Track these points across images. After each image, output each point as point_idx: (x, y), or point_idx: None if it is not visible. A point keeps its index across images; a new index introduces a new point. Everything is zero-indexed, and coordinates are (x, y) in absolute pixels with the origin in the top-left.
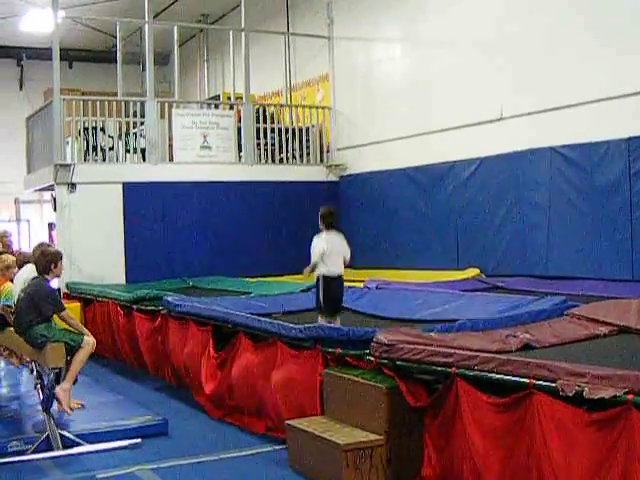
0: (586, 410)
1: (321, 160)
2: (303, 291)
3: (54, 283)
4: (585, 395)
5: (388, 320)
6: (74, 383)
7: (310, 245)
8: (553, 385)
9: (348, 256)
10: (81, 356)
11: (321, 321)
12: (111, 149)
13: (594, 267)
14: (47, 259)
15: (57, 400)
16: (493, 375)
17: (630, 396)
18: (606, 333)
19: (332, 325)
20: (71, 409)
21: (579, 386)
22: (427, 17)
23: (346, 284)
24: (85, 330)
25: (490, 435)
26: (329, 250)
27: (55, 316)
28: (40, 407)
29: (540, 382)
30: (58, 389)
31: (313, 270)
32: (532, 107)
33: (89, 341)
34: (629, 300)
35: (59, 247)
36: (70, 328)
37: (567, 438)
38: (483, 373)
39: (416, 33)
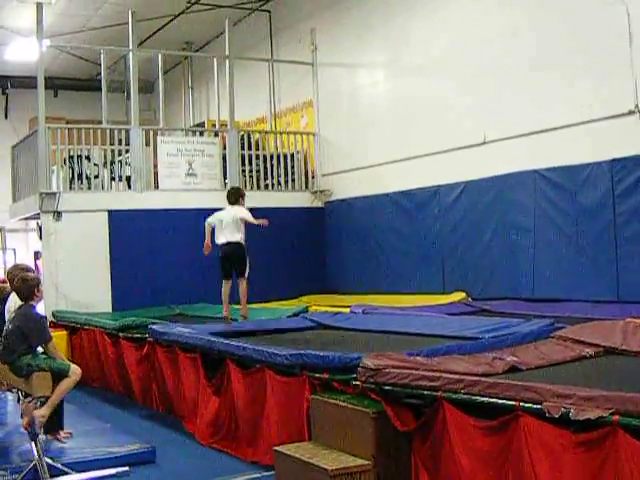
0: (573, 432)
1: (306, 186)
2: (290, 317)
3: (39, 309)
4: (571, 416)
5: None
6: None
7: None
8: (539, 407)
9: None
10: (65, 385)
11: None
12: (96, 177)
13: (580, 289)
14: (30, 285)
15: (33, 422)
16: (480, 398)
17: (616, 417)
18: (592, 354)
19: (318, 353)
20: (62, 439)
21: (565, 408)
22: (410, 42)
23: (333, 310)
24: (68, 362)
25: (478, 458)
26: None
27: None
28: (27, 436)
29: (527, 404)
30: (36, 413)
31: None
32: (515, 131)
33: (76, 370)
34: (614, 321)
35: (45, 275)
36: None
37: (554, 460)
38: (469, 396)
39: (399, 58)
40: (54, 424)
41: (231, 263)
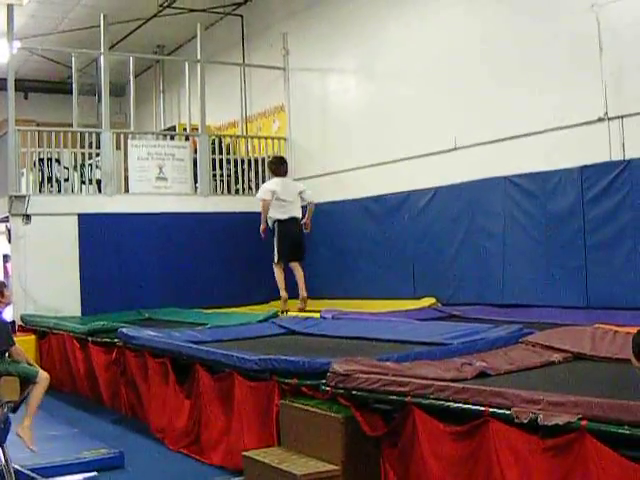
0: (541, 437)
1: None
2: (260, 321)
3: (8, 315)
4: (539, 422)
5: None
6: (15, 411)
7: (267, 275)
8: (508, 412)
9: (307, 195)
10: (38, 392)
11: (276, 269)
12: (66, 180)
13: (549, 295)
14: None
15: (22, 439)
16: (448, 403)
17: (584, 422)
18: (560, 360)
19: (288, 358)
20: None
21: (534, 413)
22: (382, 49)
23: (302, 315)
24: (36, 366)
25: (448, 463)
26: (280, 192)
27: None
28: None
29: (495, 410)
30: (19, 429)
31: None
32: (486, 137)
33: (43, 375)
34: (583, 327)
35: (13, 278)
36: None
37: (523, 465)
38: (438, 402)
39: (371, 64)
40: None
41: (297, 243)
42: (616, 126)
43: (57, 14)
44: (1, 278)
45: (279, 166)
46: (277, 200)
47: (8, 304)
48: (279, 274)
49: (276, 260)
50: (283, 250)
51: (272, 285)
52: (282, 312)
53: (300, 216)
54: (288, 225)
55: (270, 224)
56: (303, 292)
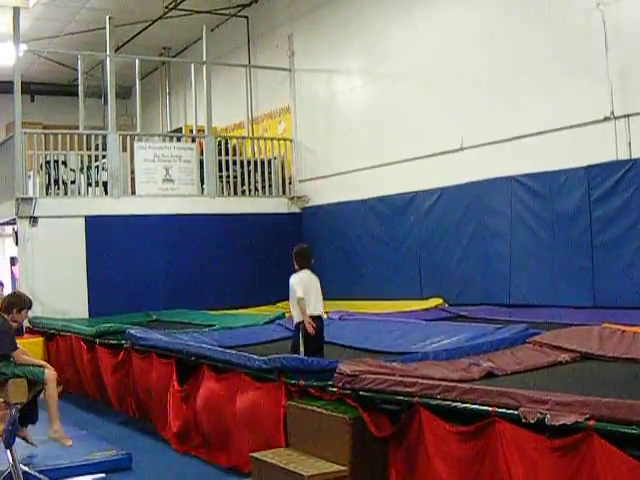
0: (548, 437)
1: (283, 192)
2: (267, 323)
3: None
4: (547, 422)
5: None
6: (34, 422)
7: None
8: (515, 412)
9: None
10: (51, 393)
11: None
12: (73, 182)
13: (556, 295)
14: (12, 300)
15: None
16: (455, 404)
17: (591, 422)
18: (568, 360)
19: (297, 357)
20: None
21: (541, 413)
22: (387, 50)
23: None
24: (42, 363)
25: (454, 463)
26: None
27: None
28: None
29: (502, 410)
30: (51, 433)
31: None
32: (492, 137)
33: (51, 374)
34: (590, 327)
35: (21, 281)
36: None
37: (530, 465)
38: (445, 402)
39: (376, 65)
40: (27, 417)
41: (321, 342)
42: (622, 125)
43: (63, 17)
44: (7, 282)
45: (309, 258)
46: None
47: (15, 321)
48: None
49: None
50: (311, 347)
51: (279, 286)
52: None
53: (321, 313)
54: (317, 324)
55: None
56: None
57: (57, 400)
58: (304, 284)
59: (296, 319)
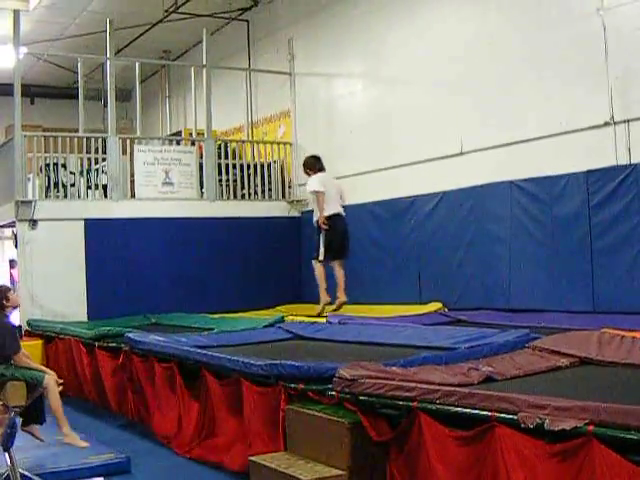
0: (548, 442)
1: (283, 196)
2: (266, 326)
3: (15, 319)
4: (546, 427)
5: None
6: (42, 423)
7: (273, 280)
8: (514, 417)
9: (344, 194)
10: (53, 398)
11: (316, 265)
12: (73, 185)
13: (555, 299)
14: None
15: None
16: (455, 409)
17: (591, 427)
18: (567, 365)
19: (294, 363)
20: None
21: (540, 418)
22: (388, 53)
23: (308, 320)
24: (41, 368)
25: (454, 469)
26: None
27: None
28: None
29: (502, 415)
30: (65, 439)
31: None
32: (492, 141)
33: (50, 380)
34: (590, 332)
35: (20, 284)
36: (29, 366)
37: (530, 470)
38: (445, 407)
39: (377, 69)
40: (32, 418)
41: (344, 239)
42: (622, 130)
43: (63, 20)
44: (7, 283)
45: (319, 161)
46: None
47: (15, 307)
48: (321, 273)
49: (321, 257)
50: (330, 247)
51: (278, 290)
52: (318, 315)
53: (344, 213)
54: (335, 221)
55: (314, 220)
56: (342, 296)
57: (60, 404)
58: (322, 181)
59: (315, 217)
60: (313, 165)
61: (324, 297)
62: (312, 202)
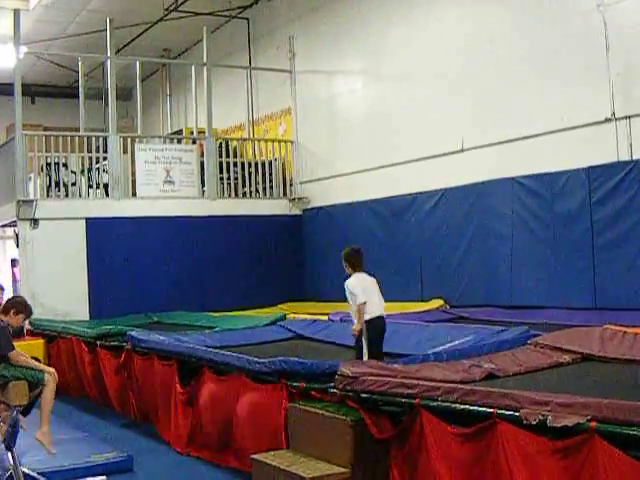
0: (550, 438)
1: (284, 193)
2: (268, 325)
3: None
4: (548, 423)
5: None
6: (24, 415)
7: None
8: (517, 414)
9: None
10: (48, 395)
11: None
12: (74, 184)
13: (557, 296)
14: (11, 303)
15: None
16: (457, 405)
17: (593, 423)
18: (569, 361)
19: (298, 360)
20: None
21: (542, 415)
22: (389, 50)
23: (310, 317)
24: (40, 365)
25: (456, 465)
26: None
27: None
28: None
29: (504, 411)
30: (39, 434)
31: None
32: (493, 138)
33: (51, 377)
34: (592, 328)
35: (22, 283)
36: (28, 365)
37: (532, 467)
38: (447, 404)
39: (378, 66)
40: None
41: (381, 341)
42: (623, 126)
43: (63, 19)
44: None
45: (361, 260)
46: None
47: (9, 324)
48: None
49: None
50: (374, 349)
51: (280, 287)
52: None
53: (384, 314)
54: (378, 323)
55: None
56: None
57: (52, 404)
58: (363, 287)
59: (355, 321)
60: (356, 263)
61: None
62: (350, 305)
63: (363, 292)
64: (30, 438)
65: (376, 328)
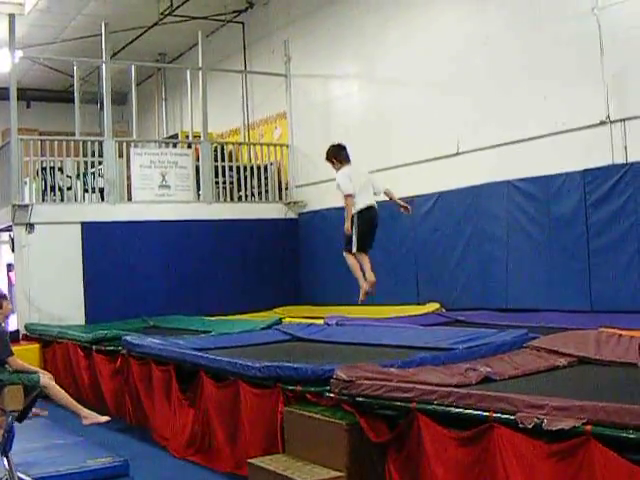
0: (546, 442)
1: (280, 197)
2: (264, 329)
3: (12, 324)
4: (544, 427)
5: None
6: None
7: (270, 282)
8: (513, 418)
9: (378, 184)
10: (56, 391)
11: (348, 257)
12: (69, 189)
13: (553, 299)
14: None
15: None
16: (453, 409)
17: (589, 427)
18: (565, 364)
19: (292, 365)
20: None
21: (538, 418)
22: (384, 54)
23: (306, 321)
24: (37, 370)
25: (452, 469)
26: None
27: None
28: None
29: (500, 415)
30: (85, 422)
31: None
32: (488, 141)
33: (48, 382)
34: (587, 331)
35: (17, 287)
36: (24, 369)
37: (528, 470)
38: (443, 407)
39: (373, 69)
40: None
41: (374, 233)
42: (618, 129)
43: (58, 23)
44: (4, 288)
45: (343, 152)
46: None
47: (7, 316)
48: (354, 263)
49: (354, 250)
50: (363, 241)
51: (276, 292)
52: (361, 301)
53: (375, 204)
54: (367, 214)
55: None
56: (372, 276)
57: (66, 396)
58: (351, 178)
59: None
60: (337, 154)
61: (363, 284)
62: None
63: (351, 182)
64: (26, 443)
65: (365, 219)
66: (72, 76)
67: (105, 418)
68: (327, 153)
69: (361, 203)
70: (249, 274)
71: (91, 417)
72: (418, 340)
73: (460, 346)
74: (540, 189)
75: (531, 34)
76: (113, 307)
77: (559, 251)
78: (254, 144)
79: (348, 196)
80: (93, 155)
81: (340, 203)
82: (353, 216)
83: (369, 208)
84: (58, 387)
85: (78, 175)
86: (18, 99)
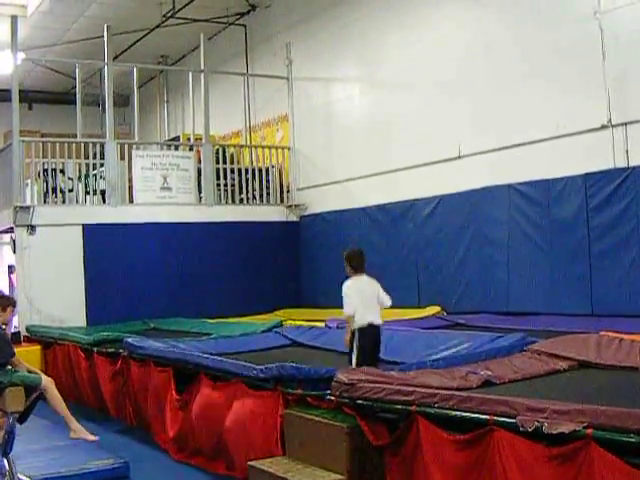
0: (546, 445)
1: (281, 200)
2: (264, 331)
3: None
4: (544, 430)
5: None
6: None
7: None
8: (513, 421)
9: (386, 300)
10: (55, 399)
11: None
12: (71, 191)
13: (554, 302)
14: None
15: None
16: (453, 412)
17: (589, 430)
18: (566, 368)
19: (294, 365)
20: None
21: (538, 421)
22: (386, 57)
23: (307, 324)
24: (37, 372)
25: (452, 472)
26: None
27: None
28: None
29: (500, 418)
30: (72, 435)
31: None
32: (490, 145)
33: (48, 383)
34: (588, 335)
35: (18, 289)
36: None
37: (528, 474)
38: (443, 411)
39: (375, 73)
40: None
41: (375, 350)
42: (620, 133)
43: (61, 25)
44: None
45: (362, 261)
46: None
47: (4, 323)
48: None
49: (353, 367)
50: (364, 357)
51: (276, 294)
52: None
53: (379, 322)
54: (369, 331)
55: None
56: None
57: (62, 402)
58: (358, 291)
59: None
60: (355, 262)
61: None
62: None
63: (357, 295)
64: (26, 444)
65: (367, 337)
66: (74, 78)
67: (93, 437)
68: (347, 256)
69: (364, 320)
70: (250, 276)
71: (80, 432)
72: (419, 343)
73: (460, 349)
74: (541, 193)
75: (532, 38)
76: (114, 309)
77: (560, 255)
78: (256, 147)
79: (349, 317)
80: (95, 157)
81: (341, 205)
82: (354, 331)
83: (371, 326)
84: (57, 393)
85: (80, 177)
86: (20, 101)
